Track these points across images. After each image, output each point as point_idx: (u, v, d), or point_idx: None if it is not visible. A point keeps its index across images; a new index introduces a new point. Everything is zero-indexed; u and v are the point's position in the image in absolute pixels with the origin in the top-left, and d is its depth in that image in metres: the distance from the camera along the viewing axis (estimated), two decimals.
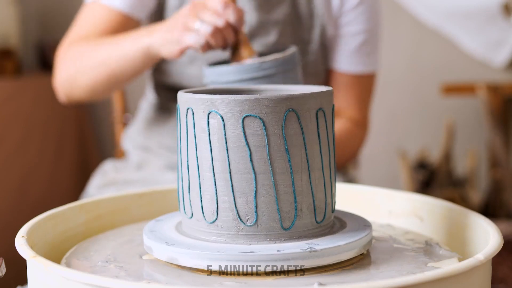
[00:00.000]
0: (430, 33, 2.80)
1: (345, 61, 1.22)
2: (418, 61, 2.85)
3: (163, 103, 1.27)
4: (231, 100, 0.66)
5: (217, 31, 0.95)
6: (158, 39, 1.02)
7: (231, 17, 0.95)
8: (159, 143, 1.26)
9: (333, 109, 0.72)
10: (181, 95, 0.70)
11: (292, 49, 1.00)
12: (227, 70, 0.96)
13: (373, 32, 1.22)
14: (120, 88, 1.27)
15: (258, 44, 1.17)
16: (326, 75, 1.24)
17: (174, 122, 1.24)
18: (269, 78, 0.96)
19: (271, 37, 1.16)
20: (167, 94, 1.25)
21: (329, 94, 0.70)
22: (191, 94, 0.68)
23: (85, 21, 1.18)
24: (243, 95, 0.66)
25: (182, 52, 0.99)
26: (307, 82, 1.17)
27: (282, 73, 0.96)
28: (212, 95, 0.67)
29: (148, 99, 1.32)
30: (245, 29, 1.14)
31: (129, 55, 1.07)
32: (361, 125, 1.25)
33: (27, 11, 2.80)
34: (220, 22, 0.95)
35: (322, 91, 0.69)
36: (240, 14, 0.97)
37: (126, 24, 1.17)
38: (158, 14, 1.21)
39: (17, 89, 2.36)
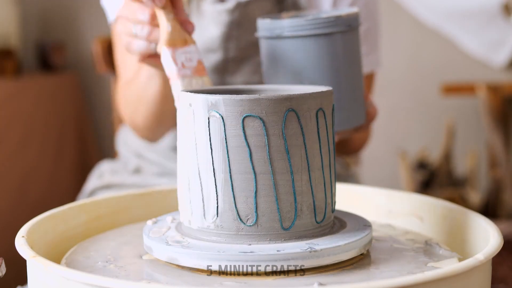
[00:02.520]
0: (430, 33, 2.80)
1: None
2: (418, 61, 2.85)
3: None
4: (232, 100, 0.65)
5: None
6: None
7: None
8: (155, 151, 1.26)
9: (333, 109, 0.71)
10: (181, 94, 0.70)
11: (347, 11, 0.92)
12: (295, 22, 0.87)
13: (371, 31, 1.21)
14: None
15: (248, 64, 1.16)
16: None
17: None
18: (326, 38, 0.87)
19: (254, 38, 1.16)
20: None
21: (329, 94, 0.70)
22: (191, 93, 0.68)
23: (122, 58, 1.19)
24: (244, 95, 0.66)
25: (144, 57, 0.88)
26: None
27: (341, 34, 0.88)
28: (213, 94, 0.67)
29: None
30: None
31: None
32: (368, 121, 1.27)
33: (27, 11, 2.80)
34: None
35: (322, 91, 0.69)
36: None
37: None
38: None
39: (17, 89, 2.36)
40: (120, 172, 1.29)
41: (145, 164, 1.27)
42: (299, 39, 0.87)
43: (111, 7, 1.20)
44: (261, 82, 1.16)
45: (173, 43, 0.80)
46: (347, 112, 0.90)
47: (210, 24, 1.14)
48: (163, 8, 0.82)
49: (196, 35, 1.12)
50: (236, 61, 1.16)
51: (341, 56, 0.89)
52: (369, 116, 0.98)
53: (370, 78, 1.25)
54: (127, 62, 1.18)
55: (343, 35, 0.88)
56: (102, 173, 1.32)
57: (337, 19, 0.87)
